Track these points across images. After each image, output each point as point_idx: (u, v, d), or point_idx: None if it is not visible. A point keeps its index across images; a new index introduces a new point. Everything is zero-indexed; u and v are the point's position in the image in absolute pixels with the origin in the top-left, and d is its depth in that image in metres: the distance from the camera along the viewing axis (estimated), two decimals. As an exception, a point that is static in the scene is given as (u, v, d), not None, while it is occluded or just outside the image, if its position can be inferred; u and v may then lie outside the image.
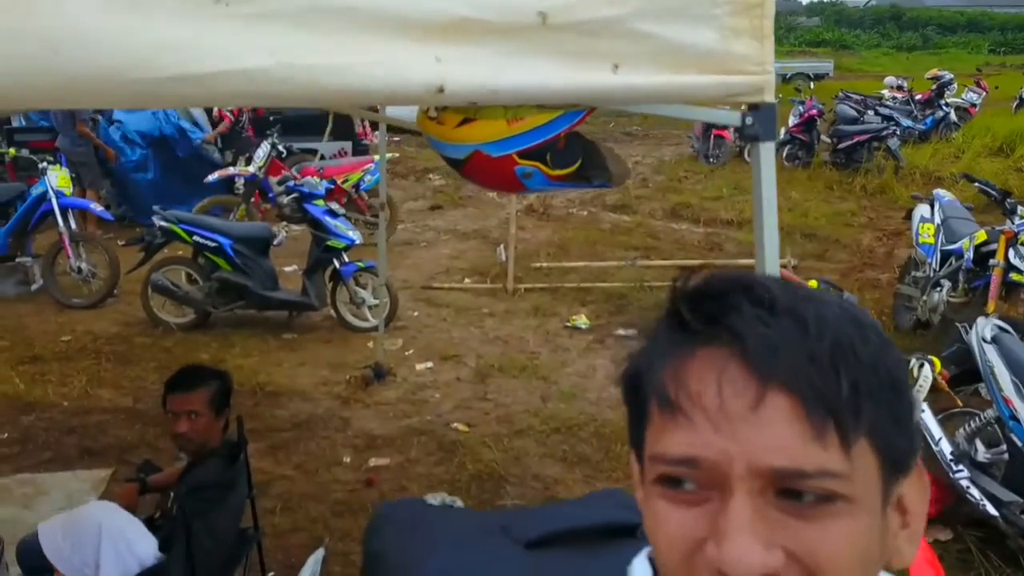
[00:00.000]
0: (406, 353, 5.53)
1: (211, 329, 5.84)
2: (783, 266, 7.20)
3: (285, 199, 5.70)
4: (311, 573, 2.56)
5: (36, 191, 6.37)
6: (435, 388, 5.03)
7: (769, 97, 1.42)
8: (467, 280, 7.12)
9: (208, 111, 8.63)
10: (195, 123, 8.80)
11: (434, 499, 1.02)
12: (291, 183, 5.75)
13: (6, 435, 4.32)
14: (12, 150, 7.32)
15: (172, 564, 2.23)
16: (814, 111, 11.99)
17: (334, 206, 5.85)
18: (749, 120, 1.43)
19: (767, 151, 1.45)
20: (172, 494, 2.63)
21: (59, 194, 6.27)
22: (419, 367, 5.32)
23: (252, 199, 7.59)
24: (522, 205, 10.10)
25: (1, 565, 2.50)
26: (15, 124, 8.88)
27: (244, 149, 8.52)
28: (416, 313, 6.28)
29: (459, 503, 1.04)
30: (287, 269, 6.73)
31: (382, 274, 5.18)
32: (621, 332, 5.87)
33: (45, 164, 6.38)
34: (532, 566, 0.80)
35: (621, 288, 6.65)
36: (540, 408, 4.74)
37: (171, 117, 8.42)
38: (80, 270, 6.26)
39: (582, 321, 6.03)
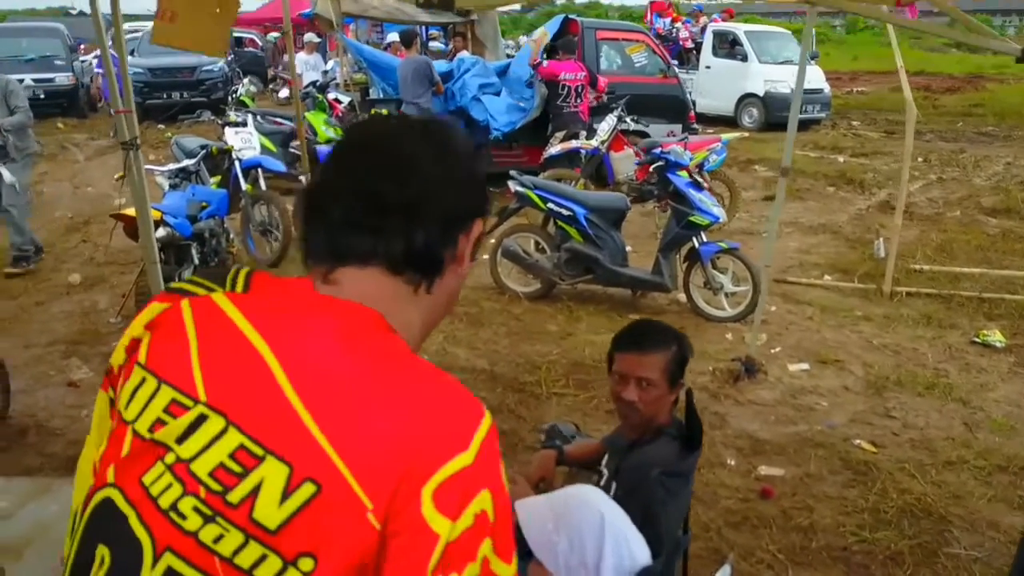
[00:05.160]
0: (772, 350, 4.80)
1: (556, 301, 5.57)
2: None
3: (651, 168, 5.22)
4: (720, 591, 2.00)
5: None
6: (818, 394, 4.26)
7: None
8: (827, 277, 6.19)
9: None
10: None
11: None
12: (656, 150, 5.26)
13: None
14: (378, 111, 7.77)
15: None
16: None
17: (699, 178, 5.27)
18: None
19: None
20: (604, 471, 2.19)
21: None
22: (792, 368, 4.57)
23: (590, 173, 7.30)
24: (875, 201, 8.86)
25: None
26: (372, 95, 9.61)
27: (564, 126, 7.94)
28: (774, 308, 5.50)
29: None
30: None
31: (768, 257, 4.50)
32: (1055, 357, 4.63)
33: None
34: None
35: (1045, 303, 5.32)
36: (968, 438, 3.76)
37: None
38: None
39: (996, 338, 4.85)
